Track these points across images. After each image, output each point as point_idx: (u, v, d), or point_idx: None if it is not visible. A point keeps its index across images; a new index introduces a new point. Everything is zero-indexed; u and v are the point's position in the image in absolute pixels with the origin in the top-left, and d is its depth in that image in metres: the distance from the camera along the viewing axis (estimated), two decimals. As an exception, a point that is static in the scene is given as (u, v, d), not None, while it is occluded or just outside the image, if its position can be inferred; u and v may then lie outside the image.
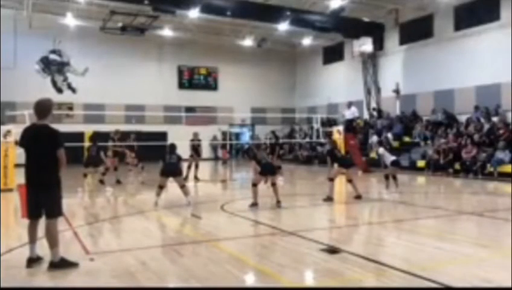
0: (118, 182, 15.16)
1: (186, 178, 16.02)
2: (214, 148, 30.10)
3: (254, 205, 9.75)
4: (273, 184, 10.13)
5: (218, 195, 13.09)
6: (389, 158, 12.83)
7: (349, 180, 11.25)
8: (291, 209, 9.67)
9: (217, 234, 7.52)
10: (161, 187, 10.65)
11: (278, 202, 9.89)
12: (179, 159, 10.86)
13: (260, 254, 6.01)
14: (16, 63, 24.98)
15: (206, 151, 23.56)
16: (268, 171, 10.10)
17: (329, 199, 10.66)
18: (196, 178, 15.98)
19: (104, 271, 5.19)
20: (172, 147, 11.05)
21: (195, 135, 16.83)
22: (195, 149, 16.63)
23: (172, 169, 10.62)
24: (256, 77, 31.65)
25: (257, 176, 10.14)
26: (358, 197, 10.90)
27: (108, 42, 26.27)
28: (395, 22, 24.31)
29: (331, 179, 10.94)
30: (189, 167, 16.55)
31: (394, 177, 12.53)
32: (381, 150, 13.40)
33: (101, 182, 14.81)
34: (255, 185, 9.98)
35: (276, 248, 6.41)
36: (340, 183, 13.61)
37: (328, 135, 12.89)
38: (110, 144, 15.77)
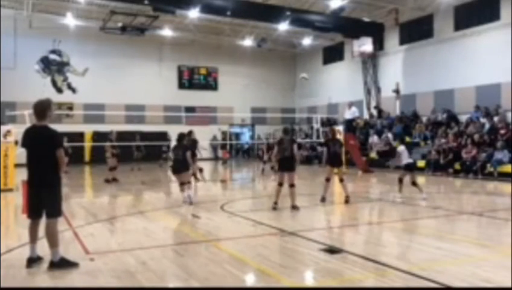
0: (114, 180, 15.39)
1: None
2: (214, 148, 30.10)
3: (274, 204, 9.47)
4: (291, 185, 9.39)
5: (218, 195, 13.08)
6: (406, 159, 11.05)
7: (341, 180, 10.65)
8: (292, 209, 9.64)
9: (217, 234, 7.51)
10: (182, 184, 10.77)
11: (293, 206, 9.33)
12: (185, 151, 10.77)
13: (260, 254, 6.01)
14: (16, 63, 25.02)
15: (206, 151, 23.54)
16: (285, 167, 9.38)
17: (323, 199, 10.40)
18: (196, 178, 15.95)
19: (104, 271, 5.19)
20: (180, 137, 11.06)
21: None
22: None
23: (177, 167, 10.81)
24: (256, 77, 31.67)
25: (278, 173, 9.65)
26: (346, 198, 10.42)
27: (108, 42, 26.29)
28: (395, 22, 24.31)
29: (327, 179, 10.52)
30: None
31: (414, 183, 10.90)
32: (401, 147, 11.29)
33: (108, 181, 15.17)
34: (280, 184, 9.48)
35: (276, 248, 6.41)
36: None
37: (331, 130, 11.88)
38: (108, 144, 15.87)
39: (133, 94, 27.49)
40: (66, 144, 19.72)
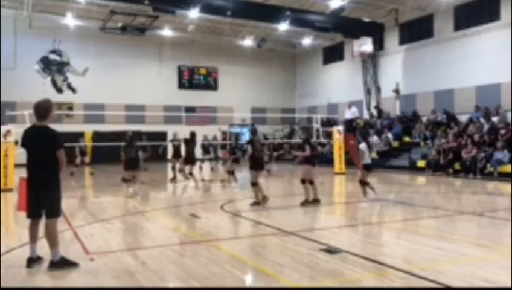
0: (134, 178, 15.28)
1: (174, 179, 15.77)
2: (214, 148, 30.05)
3: (256, 204, 9.70)
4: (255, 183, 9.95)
5: (218, 195, 13.08)
6: (366, 159, 10.83)
7: (310, 182, 9.98)
8: (291, 209, 9.66)
9: (217, 234, 7.51)
10: (124, 180, 12.18)
11: (263, 199, 9.83)
12: (137, 151, 12.27)
13: (260, 254, 6.01)
14: (15, 63, 25.02)
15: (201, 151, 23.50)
16: (258, 166, 9.93)
17: (307, 202, 9.82)
18: (191, 174, 15.73)
19: (104, 271, 5.19)
20: (132, 139, 12.52)
21: (175, 134, 16.79)
22: (176, 150, 16.43)
23: (130, 165, 12.17)
24: (256, 77, 31.67)
25: (251, 171, 9.98)
26: (316, 201, 10.01)
27: (108, 42, 26.29)
28: (395, 22, 24.33)
29: (304, 181, 9.97)
30: (173, 169, 16.31)
31: (363, 183, 10.75)
32: (363, 145, 10.97)
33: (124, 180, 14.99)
34: (254, 184, 9.84)
35: (276, 248, 6.40)
36: (340, 183, 13.58)
37: (305, 128, 11.03)
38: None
39: (133, 94, 27.49)
40: (82, 144, 19.64)
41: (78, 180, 17.20)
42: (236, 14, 22.27)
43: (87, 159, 19.63)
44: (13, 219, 9.19)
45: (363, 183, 10.72)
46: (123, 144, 13.78)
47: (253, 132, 10.56)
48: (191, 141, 15.00)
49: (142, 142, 21.04)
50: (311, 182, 9.98)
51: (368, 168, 10.81)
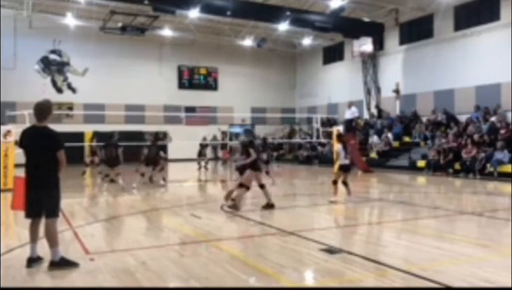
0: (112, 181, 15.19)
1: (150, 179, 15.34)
2: (214, 148, 30.09)
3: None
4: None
5: (218, 195, 13.07)
6: (342, 160, 10.81)
7: (261, 186, 9.61)
8: (291, 209, 9.66)
9: (217, 234, 7.51)
10: (107, 175, 13.62)
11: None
12: (117, 149, 13.22)
13: (260, 254, 6.01)
14: (15, 63, 25.02)
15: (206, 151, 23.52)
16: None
17: (234, 207, 9.36)
18: (151, 180, 15.17)
19: (104, 271, 5.19)
20: (111, 137, 13.45)
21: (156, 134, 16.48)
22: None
23: (112, 162, 13.30)
24: (256, 77, 31.67)
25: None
26: (269, 206, 9.49)
27: (108, 42, 26.29)
28: (395, 22, 24.32)
29: (242, 185, 9.51)
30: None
31: (345, 183, 10.83)
32: (338, 146, 11.10)
33: (111, 181, 14.85)
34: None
35: (276, 248, 6.40)
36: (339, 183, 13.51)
37: (248, 130, 10.36)
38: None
39: (133, 94, 27.49)
40: (94, 144, 19.49)
41: (78, 180, 17.19)
42: (236, 14, 22.26)
43: (97, 159, 19.19)
44: (13, 219, 9.18)
45: (345, 183, 10.77)
46: (102, 143, 14.06)
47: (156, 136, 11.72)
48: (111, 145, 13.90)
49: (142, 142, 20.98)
50: (262, 186, 9.56)
51: (344, 168, 10.79)
